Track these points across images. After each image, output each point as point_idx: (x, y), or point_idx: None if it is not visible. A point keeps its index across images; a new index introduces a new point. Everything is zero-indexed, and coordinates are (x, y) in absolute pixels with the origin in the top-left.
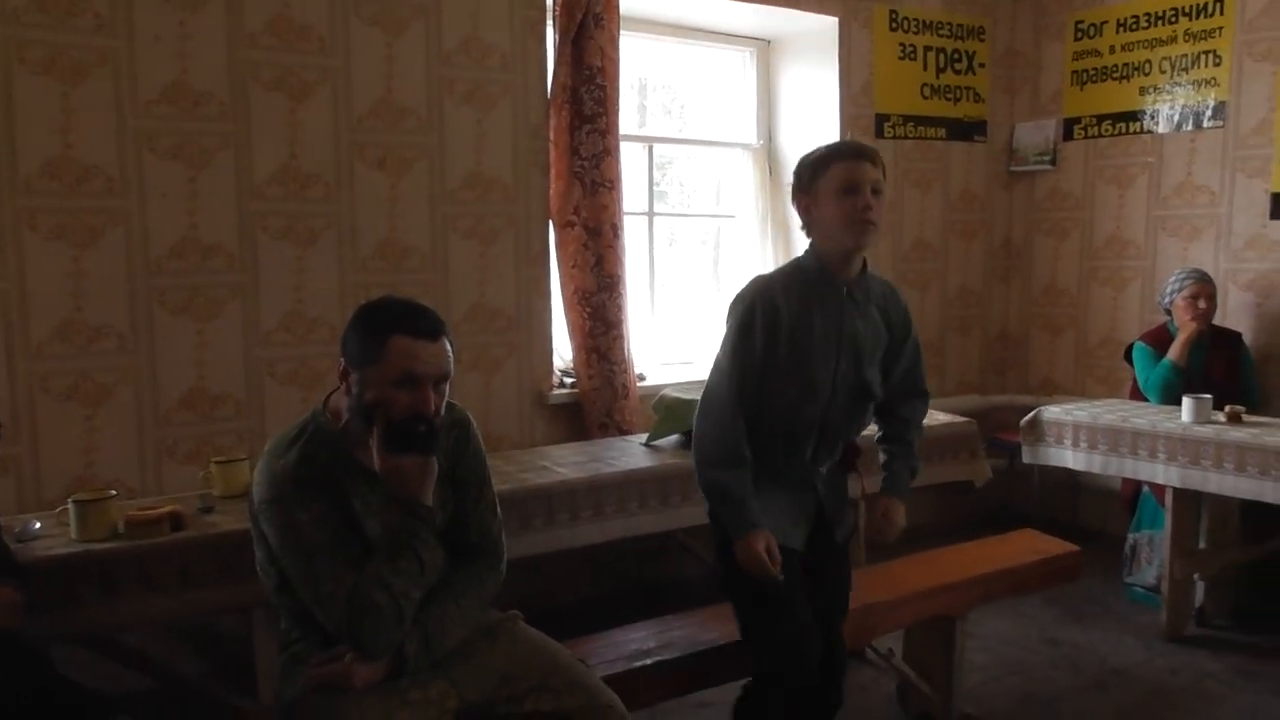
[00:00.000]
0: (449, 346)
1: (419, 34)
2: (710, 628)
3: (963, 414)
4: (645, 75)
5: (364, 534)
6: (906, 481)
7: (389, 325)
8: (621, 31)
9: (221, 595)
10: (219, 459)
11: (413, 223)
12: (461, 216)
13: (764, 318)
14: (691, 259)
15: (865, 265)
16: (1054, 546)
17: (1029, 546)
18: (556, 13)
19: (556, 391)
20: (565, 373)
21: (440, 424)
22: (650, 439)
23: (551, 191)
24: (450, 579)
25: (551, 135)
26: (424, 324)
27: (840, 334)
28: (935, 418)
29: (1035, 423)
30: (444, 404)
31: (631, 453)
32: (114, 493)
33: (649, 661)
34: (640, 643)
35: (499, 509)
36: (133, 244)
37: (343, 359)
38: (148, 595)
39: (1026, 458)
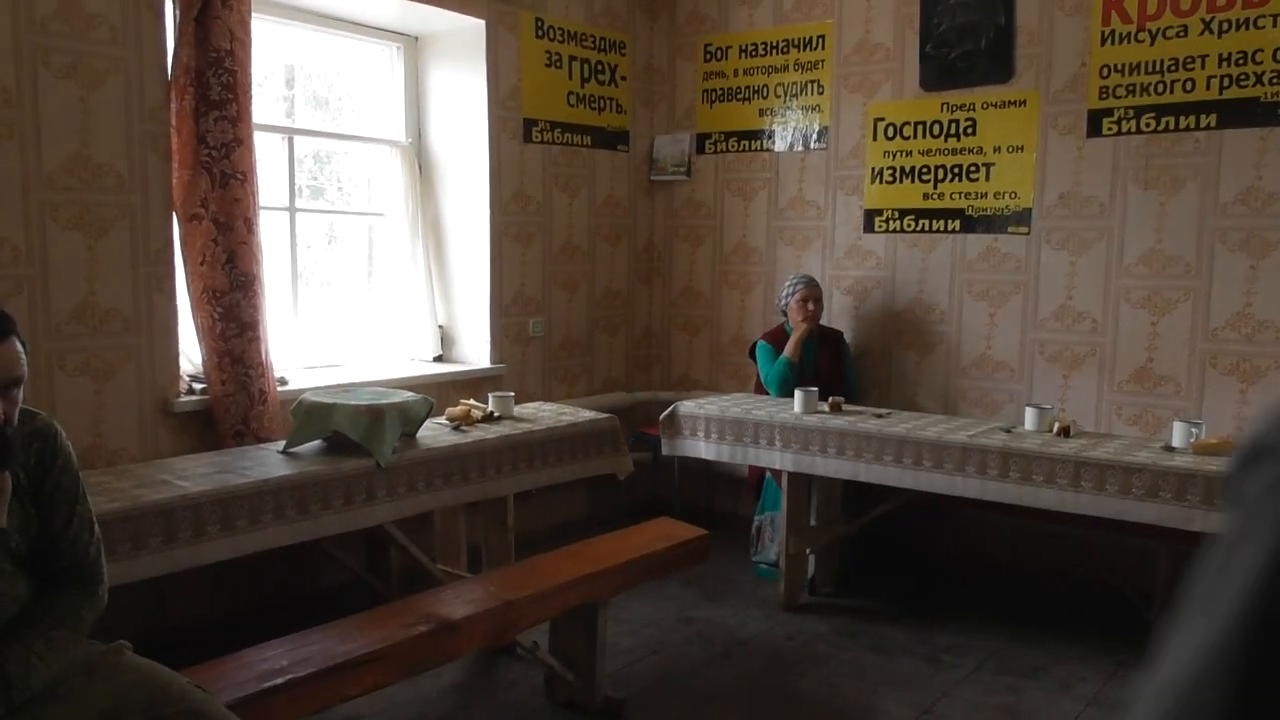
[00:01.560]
0: (20, 346)
1: None
2: (349, 639)
3: (610, 410)
4: (292, 64)
5: None
6: None
7: None
8: (255, 15)
9: None
10: None
11: (2, 210)
12: (64, 205)
13: None
14: (347, 257)
15: None
16: (685, 532)
17: (663, 533)
18: None
19: (184, 399)
20: (195, 378)
21: (14, 435)
22: (288, 446)
23: (175, 181)
24: (37, 610)
25: (174, 120)
26: None
27: None
28: (580, 415)
29: (672, 417)
30: (17, 411)
31: (267, 460)
32: None
33: (280, 681)
34: (273, 661)
35: (97, 528)
36: None
37: None
38: None
39: (665, 450)
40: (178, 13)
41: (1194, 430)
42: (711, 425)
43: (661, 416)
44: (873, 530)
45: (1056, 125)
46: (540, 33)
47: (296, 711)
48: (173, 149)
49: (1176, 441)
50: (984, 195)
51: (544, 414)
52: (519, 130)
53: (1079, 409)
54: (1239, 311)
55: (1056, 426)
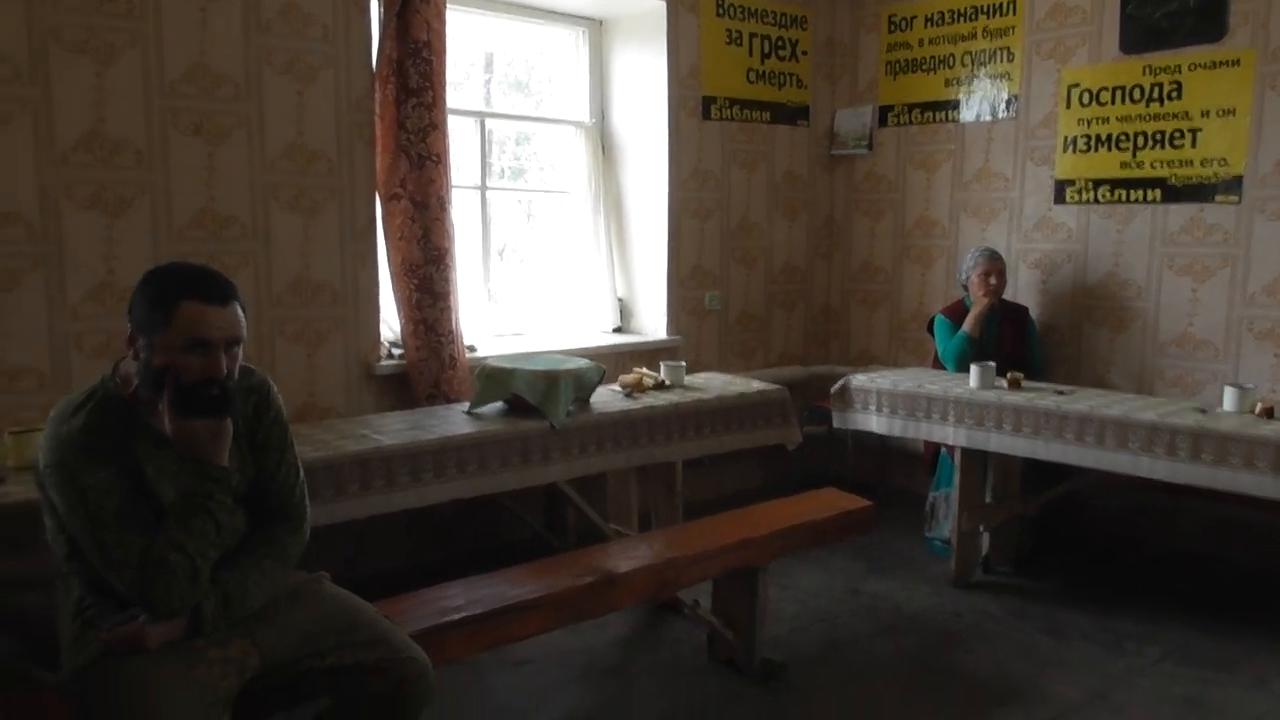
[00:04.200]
0: (240, 310)
1: (235, 1)
2: (519, 584)
3: (785, 383)
4: (490, 51)
5: (157, 500)
6: None
7: (177, 291)
8: (450, 7)
9: (18, 568)
10: (15, 429)
11: (232, 192)
12: (283, 187)
13: None
14: (543, 234)
15: None
16: (851, 502)
17: (828, 503)
18: None
19: (384, 363)
20: (394, 344)
21: (234, 387)
22: (472, 407)
23: (377, 165)
24: (251, 542)
25: (377, 109)
26: (213, 289)
27: None
28: (750, 385)
29: (844, 390)
30: (237, 367)
31: (453, 420)
32: None
33: (455, 617)
34: (449, 600)
35: (302, 473)
36: None
37: (130, 324)
38: None
39: (836, 423)
40: (381, 9)
41: None
42: (884, 399)
43: (833, 389)
44: (1053, 511)
45: (1276, 86)
46: (721, 11)
47: (469, 647)
48: (376, 134)
49: None
50: (1189, 163)
51: (714, 383)
52: (698, 108)
53: None
54: None
55: (1259, 407)
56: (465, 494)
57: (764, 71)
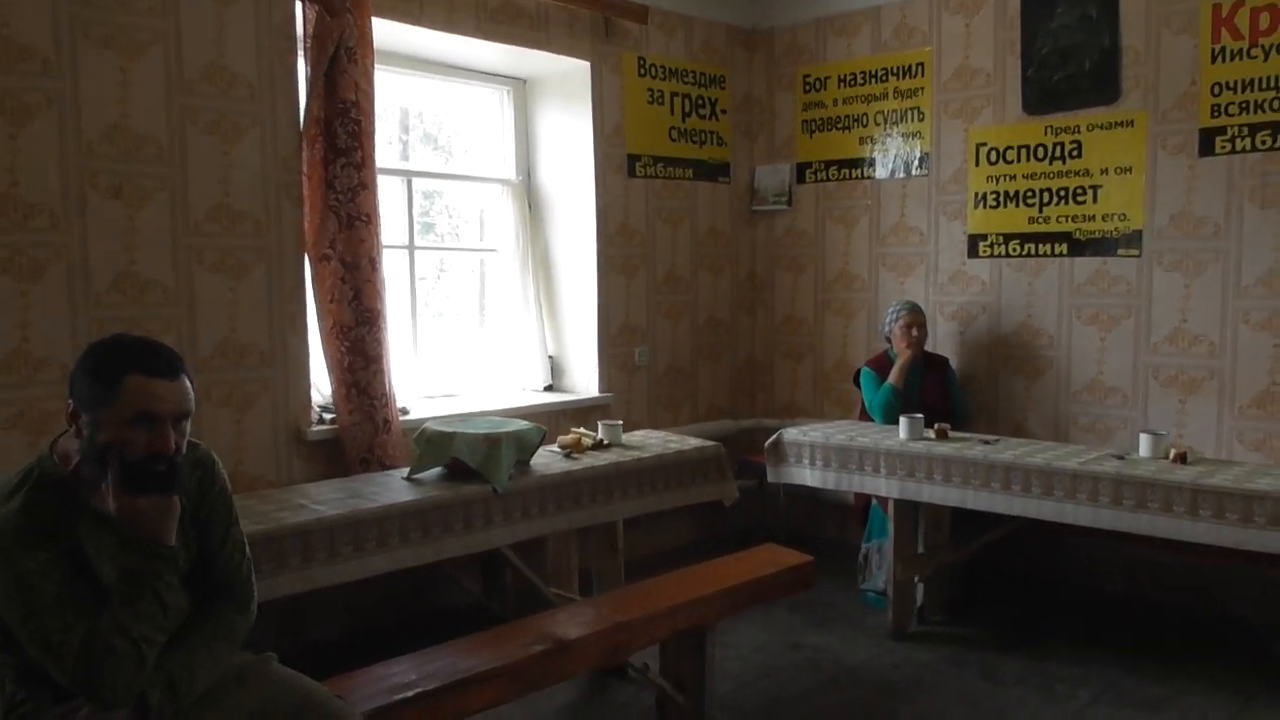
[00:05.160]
0: (188, 383)
1: (157, 59)
2: (471, 655)
3: (715, 437)
4: (407, 107)
5: (97, 581)
6: None
7: (123, 364)
8: (377, 67)
9: None
10: None
11: (154, 255)
12: (208, 249)
13: None
14: (459, 289)
15: None
16: (792, 558)
17: (770, 559)
18: (308, 44)
19: (315, 428)
20: (324, 408)
21: (182, 463)
22: (411, 472)
23: (306, 225)
24: (196, 622)
25: (305, 169)
26: (160, 362)
27: None
28: (686, 443)
29: (777, 444)
30: (185, 442)
31: (392, 487)
32: None
33: (409, 694)
34: (401, 675)
35: (248, 549)
36: None
37: (71, 400)
38: None
39: (771, 477)
40: (309, 68)
41: None
42: (816, 452)
43: (767, 444)
44: (981, 558)
45: (1166, 145)
46: (642, 71)
47: None
48: (304, 195)
49: None
50: (1092, 218)
51: (652, 441)
52: (623, 165)
53: (1197, 435)
54: None
55: (1173, 453)
56: (409, 563)
57: (685, 129)
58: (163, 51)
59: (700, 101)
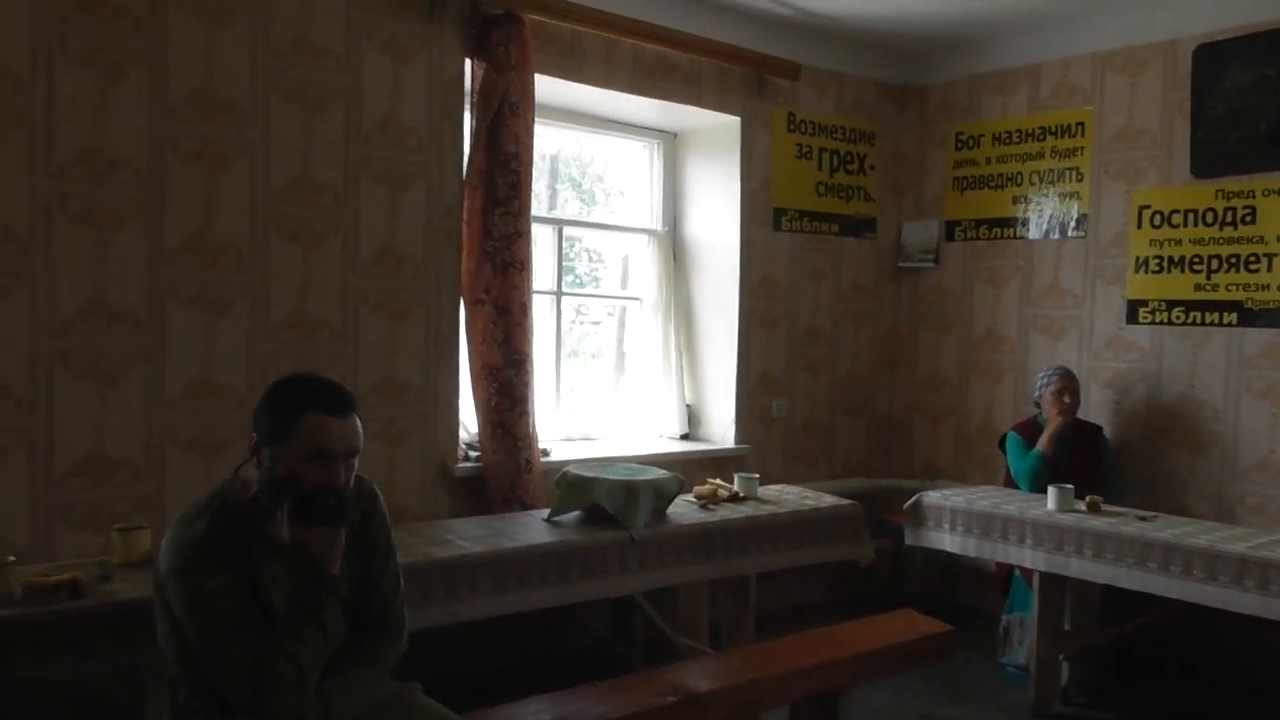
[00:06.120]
0: (359, 423)
1: (338, 112)
2: (604, 701)
3: (851, 495)
4: (558, 155)
5: (268, 605)
6: None
7: (302, 402)
8: (537, 121)
9: (117, 663)
10: (120, 526)
11: (324, 295)
12: (373, 291)
13: None
14: (600, 333)
15: None
16: (930, 626)
17: (907, 626)
18: (475, 100)
19: (461, 465)
20: (470, 446)
21: (349, 497)
22: (552, 514)
23: (463, 270)
24: (351, 649)
25: (465, 216)
26: (335, 401)
27: None
28: (823, 500)
29: (917, 507)
30: (353, 477)
31: (534, 527)
32: (13, 559)
33: None
34: (536, 715)
35: (402, 580)
36: (37, 304)
37: (254, 434)
38: (44, 663)
39: (909, 539)
40: (474, 121)
41: None
42: (958, 517)
43: (905, 506)
44: (1131, 641)
45: None
46: (792, 127)
47: None
48: (463, 240)
49: None
50: (1265, 287)
51: (788, 497)
52: (769, 219)
53: None
54: None
55: None
56: (547, 603)
57: (832, 184)
58: (344, 104)
59: (849, 157)
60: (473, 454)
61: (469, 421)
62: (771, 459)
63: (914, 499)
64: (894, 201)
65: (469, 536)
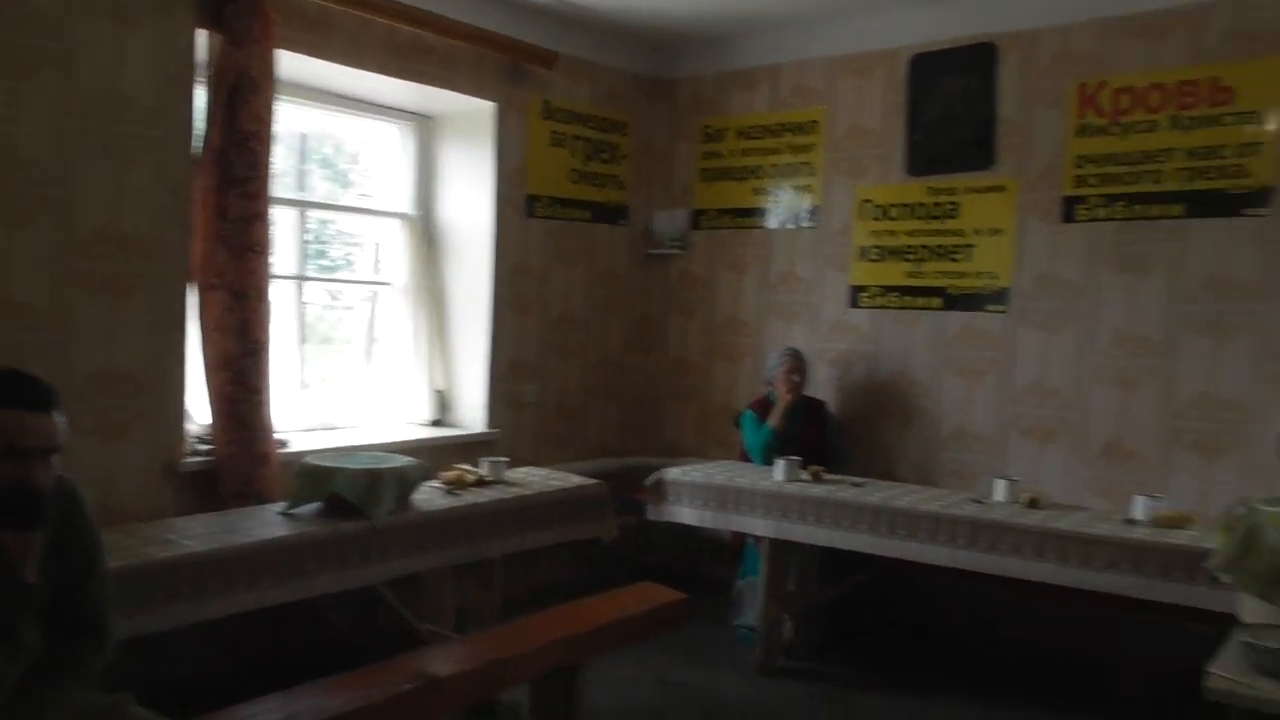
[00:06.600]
0: (58, 419)
1: (50, 80)
2: (338, 695)
3: (600, 475)
4: (309, 135)
5: None
6: None
7: None
8: (279, 98)
9: None
10: None
11: (31, 279)
12: (91, 275)
13: None
14: (351, 323)
15: None
16: (666, 596)
17: (645, 597)
18: (211, 74)
19: (190, 460)
20: (200, 439)
21: (46, 498)
22: (289, 507)
23: (195, 253)
24: (51, 658)
25: (198, 196)
26: (31, 395)
27: None
28: (569, 480)
29: (658, 483)
30: (50, 476)
31: (268, 521)
32: None
33: None
34: (264, 715)
35: (110, 584)
36: None
37: None
38: None
39: (651, 515)
40: (210, 97)
41: (1154, 504)
42: (697, 491)
43: (647, 482)
44: (853, 598)
45: (1034, 211)
46: (547, 114)
47: None
48: (195, 222)
49: (1137, 514)
50: (964, 275)
51: (534, 479)
52: (523, 205)
53: (1052, 482)
54: (1202, 391)
55: (1025, 498)
56: (280, 600)
57: (586, 172)
58: (56, 73)
59: (602, 146)
60: (203, 447)
61: (199, 413)
62: (523, 444)
63: (655, 476)
64: (645, 190)
65: (194, 534)
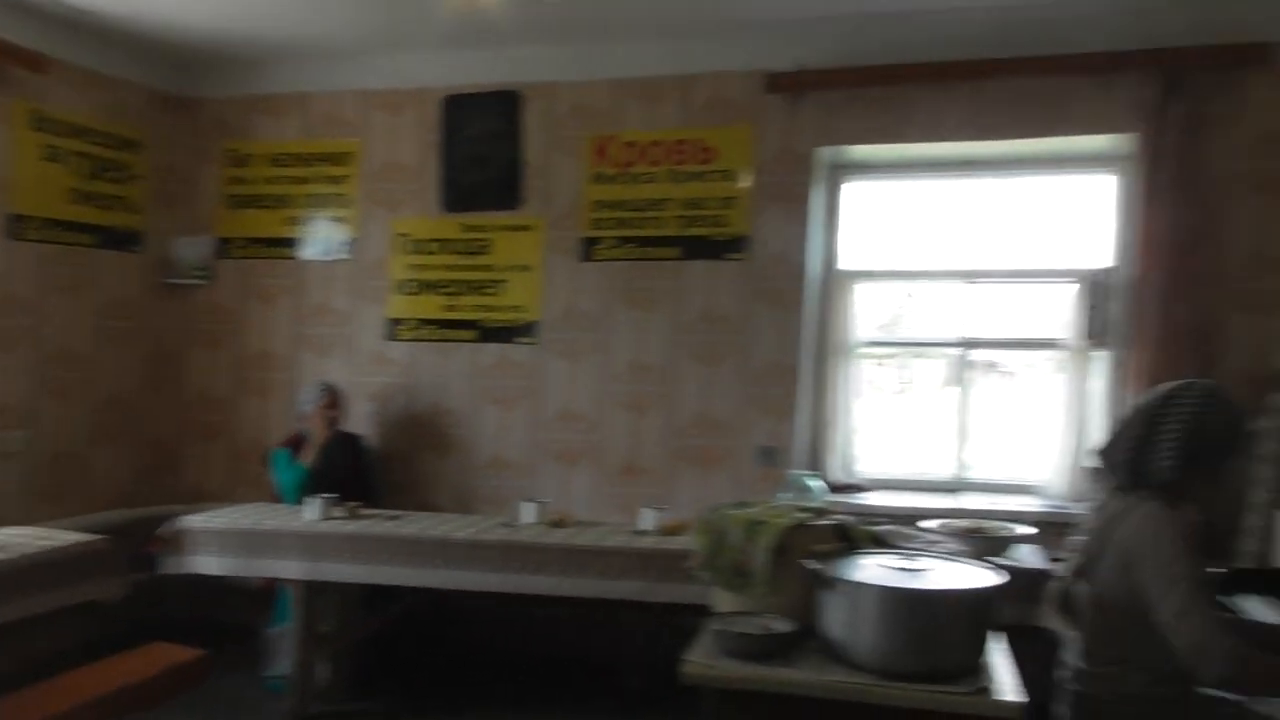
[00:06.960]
0: None
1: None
2: None
3: (109, 529)
4: None
5: None
6: None
7: None
8: None
9: None
10: None
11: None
12: None
13: None
14: None
15: None
16: (180, 655)
17: (154, 659)
18: None
19: None
20: None
21: None
22: None
23: None
24: None
25: None
26: None
27: None
28: (62, 539)
29: (173, 534)
30: None
31: None
32: None
33: None
34: None
35: None
36: None
37: None
38: None
39: (166, 568)
40: None
41: (660, 515)
42: (220, 539)
43: (158, 533)
44: (395, 630)
45: (558, 249)
46: (38, 125)
47: None
48: None
49: (645, 525)
50: (497, 308)
51: (19, 539)
52: (3, 226)
53: (580, 501)
54: (698, 412)
55: (551, 519)
56: None
57: (90, 192)
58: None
59: (110, 164)
60: None
61: None
62: (6, 500)
63: (167, 525)
64: (165, 215)
65: None
